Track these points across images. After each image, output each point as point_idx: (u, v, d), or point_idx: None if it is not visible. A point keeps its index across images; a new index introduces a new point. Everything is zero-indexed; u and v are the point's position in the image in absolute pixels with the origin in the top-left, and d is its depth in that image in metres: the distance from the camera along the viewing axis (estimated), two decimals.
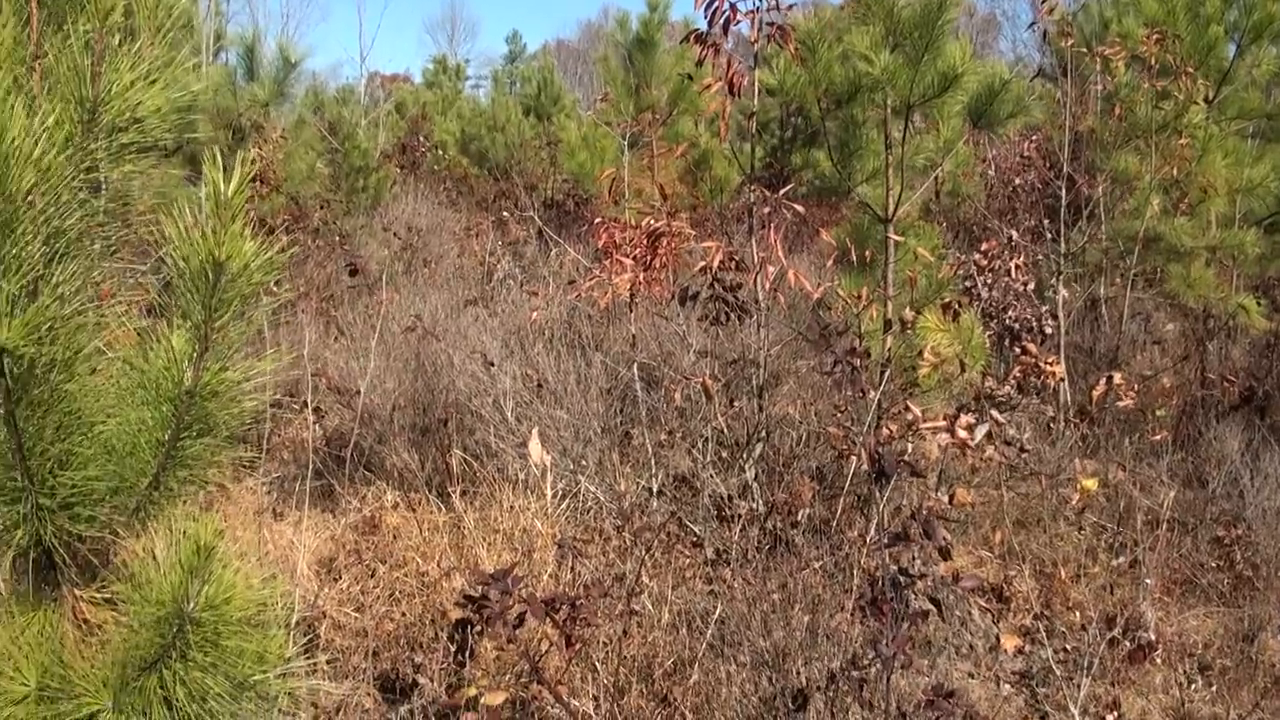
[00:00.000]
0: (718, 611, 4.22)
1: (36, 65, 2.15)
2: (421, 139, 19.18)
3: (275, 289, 2.29)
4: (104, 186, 2.27)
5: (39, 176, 1.90)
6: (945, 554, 3.65)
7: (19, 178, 1.82)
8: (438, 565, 5.16)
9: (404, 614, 5.00)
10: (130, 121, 2.22)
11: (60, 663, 2.23)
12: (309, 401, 7.34)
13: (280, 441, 7.49)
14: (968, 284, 7.21)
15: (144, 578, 2.11)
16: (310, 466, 6.01)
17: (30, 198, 1.88)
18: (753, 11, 5.95)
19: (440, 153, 19.34)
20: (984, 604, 5.04)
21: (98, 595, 2.30)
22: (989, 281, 7.27)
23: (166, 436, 2.16)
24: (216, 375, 2.12)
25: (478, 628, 3.13)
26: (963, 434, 4.69)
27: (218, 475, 2.31)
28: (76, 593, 2.30)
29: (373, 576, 5.34)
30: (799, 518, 5.09)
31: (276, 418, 7.52)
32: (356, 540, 5.77)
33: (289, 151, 11.34)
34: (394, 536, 5.68)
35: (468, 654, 3.46)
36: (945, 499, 4.62)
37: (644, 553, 4.35)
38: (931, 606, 3.77)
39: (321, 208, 12.17)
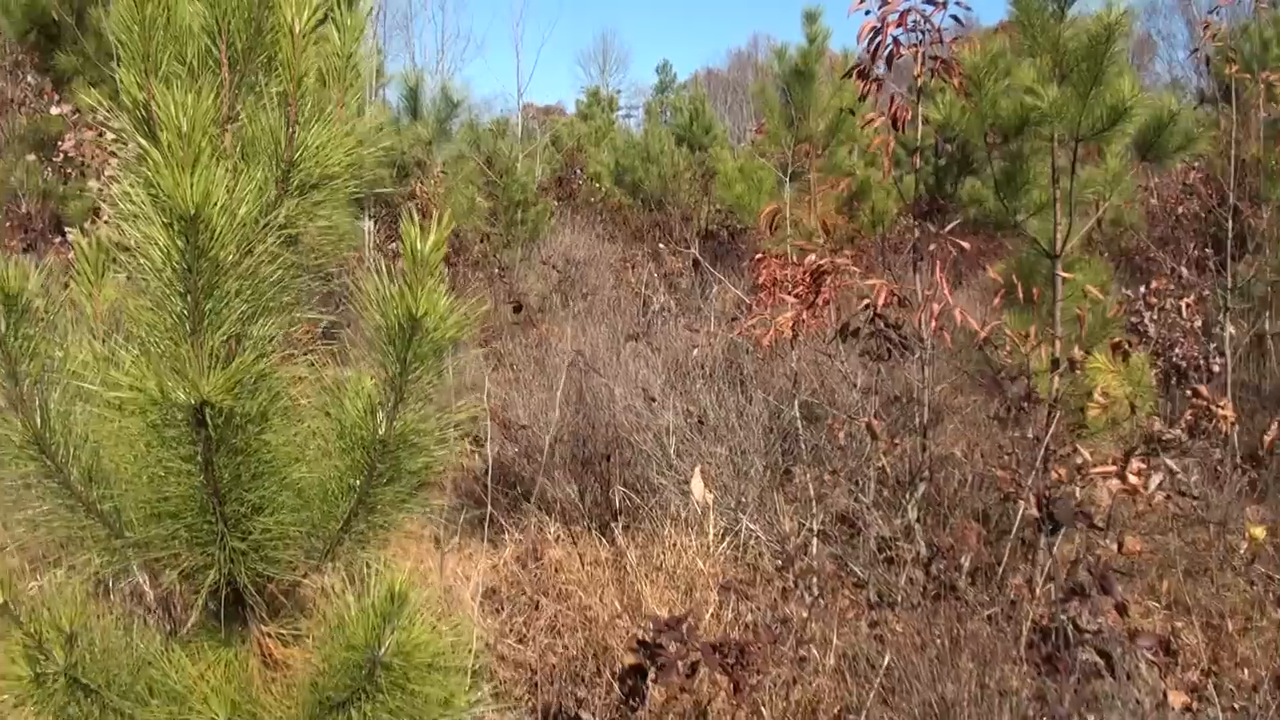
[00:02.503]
0: (886, 660, 4.16)
1: (227, 128, 2.24)
2: (577, 171, 19.43)
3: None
4: (296, 241, 2.35)
5: (241, 238, 1.98)
6: (1123, 610, 3.55)
7: (223, 241, 1.90)
8: (600, 600, 5.20)
9: (565, 647, 5.04)
10: (323, 178, 2.30)
11: (250, 699, 2.31)
12: (471, 432, 7.47)
13: (442, 470, 7.61)
14: (1134, 320, 7.02)
15: (336, 621, 2.17)
16: (473, 497, 6.11)
17: (234, 257, 1.96)
18: (915, 46, 5.91)
19: (595, 184, 19.55)
20: (1152, 657, 4.88)
21: (283, 632, 2.38)
22: (1155, 318, 7.08)
23: (359, 483, 2.23)
24: (410, 425, 2.18)
25: (651, 675, 3.15)
26: (1134, 480, 4.56)
27: (406, 520, 2.37)
28: (263, 629, 2.38)
29: (536, 609, 5.40)
30: (963, 562, 4.99)
31: None
32: (518, 572, 5.84)
33: (449, 186, 11.58)
34: (556, 569, 5.74)
35: (640, 699, 3.48)
36: (1114, 546, 4.50)
37: (814, 599, 4.32)
38: (1102, 661, 3.66)
39: (481, 241, 12.41)
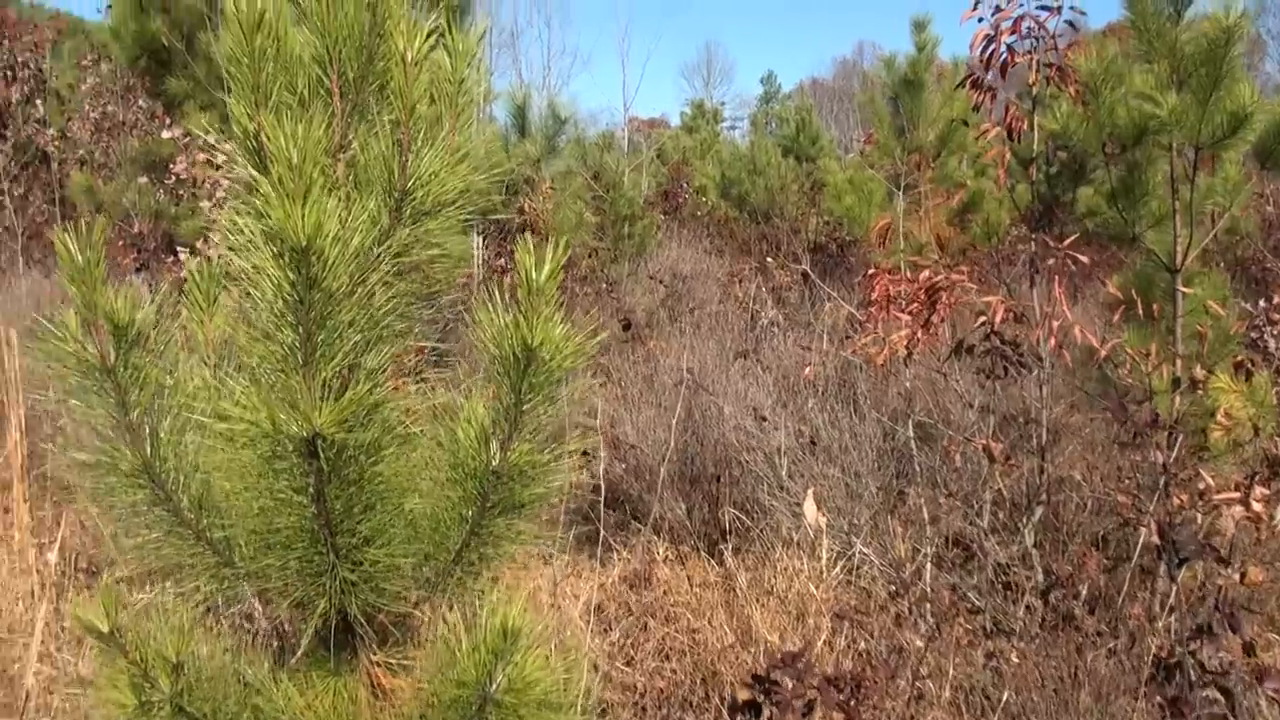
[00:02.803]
0: (1004, 697, 4.03)
1: (339, 157, 2.22)
2: (683, 185, 19.39)
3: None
4: (409, 268, 2.32)
5: (354, 268, 1.95)
6: (1250, 650, 3.39)
7: (336, 272, 1.87)
8: (709, 624, 5.13)
9: (674, 671, 4.98)
10: (436, 206, 2.27)
11: None
12: (581, 448, 7.44)
13: (558, 501, 7.59)
14: (1253, 335, 6.78)
15: (447, 655, 2.14)
16: (580, 513, 6.08)
17: (347, 289, 1.93)
18: (1030, 53, 5.77)
19: (701, 198, 19.48)
20: (1274, 694, 4.65)
21: (392, 661, 2.35)
22: (1276, 334, 6.83)
23: (471, 514, 2.20)
24: (524, 456, 2.14)
25: (766, 713, 3.07)
26: (1257, 507, 4.36)
27: (519, 551, 2.33)
28: (372, 658, 2.35)
29: (644, 630, 5.35)
30: (1081, 590, 4.83)
31: None
32: (626, 592, 5.79)
33: (558, 201, 11.60)
34: (664, 590, 5.68)
35: None
36: (1235, 577, 4.31)
37: (929, 628, 4.20)
38: (1223, 699, 3.49)
39: (589, 256, 12.42)
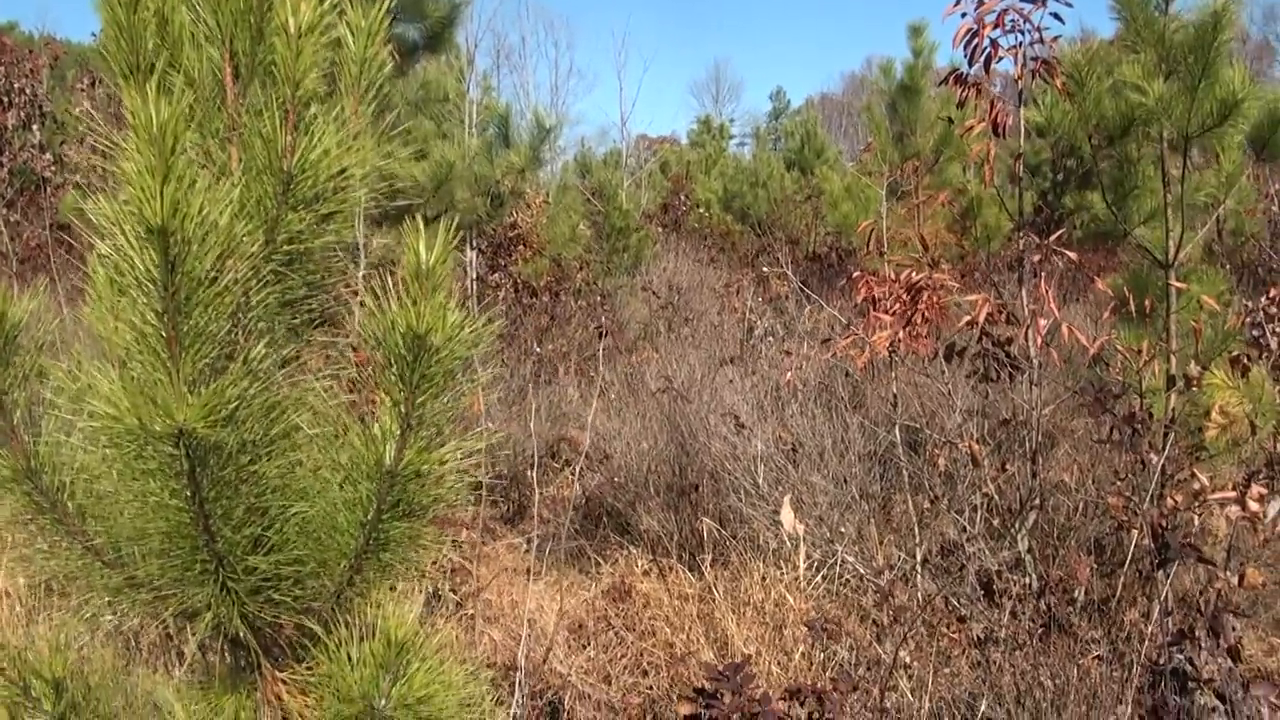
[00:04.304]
0: (983, 706, 3.84)
1: (232, 137, 2.08)
2: (683, 198, 19.29)
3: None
4: (303, 258, 2.18)
5: (224, 251, 1.81)
6: (1235, 655, 3.22)
7: (200, 253, 1.73)
8: (687, 637, 4.97)
9: (651, 687, 4.82)
10: (332, 191, 2.13)
11: None
12: (570, 460, 7.33)
13: (543, 498, 7.47)
14: (1255, 333, 6.61)
15: (337, 670, 1.99)
16: (568, 527, 5.94)
17: (214, 273, 1.78)
18: (1015, 47, 5.62)
19: (702, 211, 19.40)
20: (1276, 700, 4.47)
21: (297, 677, 2.20)
22: (1276, 330, 6.65)
23: (368, 517, 2.05)
24: (420, 455, 1.98)
25: None
26: (1254, 506, 4.19)
27: (422, 558, 2.18)
28: (277, 674, 2.20)
29: (621, 645, 5.19)
30: (1076, 595, 4.65)
31: (540, 477, 7.55)
32: (606, 606, 5.64)
33: (552, 215, 11.50)
34: (644, 604, 5.53)
35: None
36: (1234, 579, 4.15)
37: (901, 640, 4.02)
38: (1221, 705, 3.33)
39: (582, 269, 12.30)
